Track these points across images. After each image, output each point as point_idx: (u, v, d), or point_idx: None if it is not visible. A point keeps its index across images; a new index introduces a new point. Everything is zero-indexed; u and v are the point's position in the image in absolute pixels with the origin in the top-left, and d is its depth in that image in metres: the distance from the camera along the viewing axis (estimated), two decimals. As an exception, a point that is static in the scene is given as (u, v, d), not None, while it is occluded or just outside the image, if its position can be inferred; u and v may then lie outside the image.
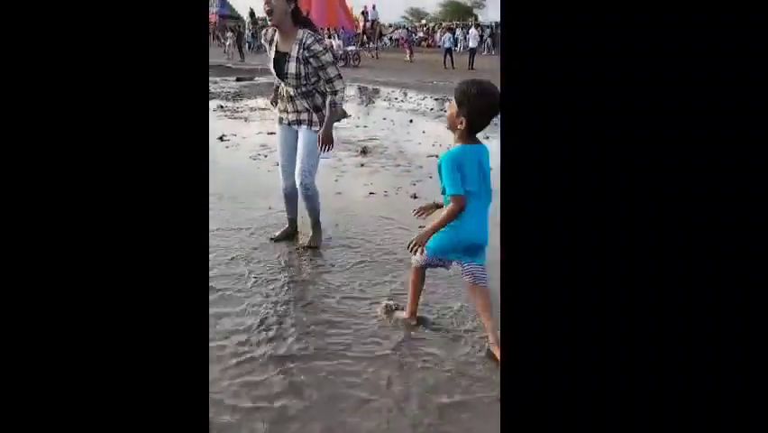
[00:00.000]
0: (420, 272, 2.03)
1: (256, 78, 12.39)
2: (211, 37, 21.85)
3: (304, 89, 2.61)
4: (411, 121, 7.39)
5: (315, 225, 2.86)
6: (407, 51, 19.39)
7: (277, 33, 2.60)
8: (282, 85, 2.66)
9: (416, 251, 1.84)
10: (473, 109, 1.72)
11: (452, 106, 1.80)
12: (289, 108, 2.68)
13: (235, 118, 7.13)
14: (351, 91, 11.15)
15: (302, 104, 2.64)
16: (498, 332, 1.78)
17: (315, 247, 2.81)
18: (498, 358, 1.75)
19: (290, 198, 2.85)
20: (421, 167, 4.71)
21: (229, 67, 15.04)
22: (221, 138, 5.78)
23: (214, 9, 26.19)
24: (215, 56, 15.63)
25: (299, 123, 2.68)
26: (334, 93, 2.57)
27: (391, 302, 2.21)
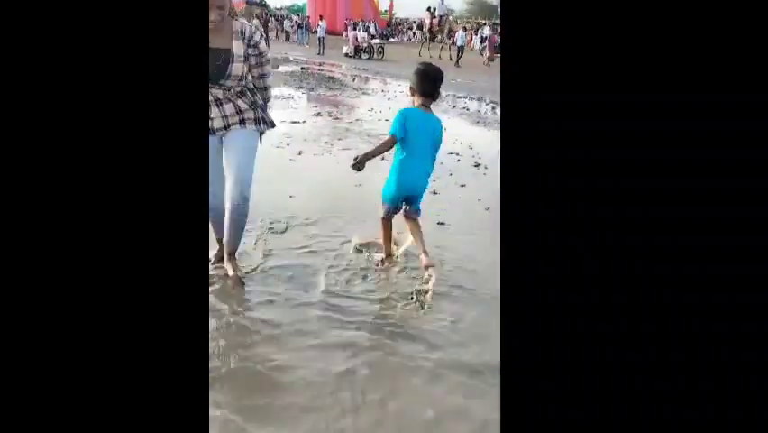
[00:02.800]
0: (386, 222, 2.58)
1: (279, 67, 12.47)
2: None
3: (238, 89, 2.14)
4: (433, 117, 7.38)
5: (233, 254, 2.30)
6: (488, 53, 16.98)
7: None
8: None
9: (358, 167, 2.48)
10: (415, 82, 2.43)
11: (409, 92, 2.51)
12: (213, 113, 2.09)
13: (259, 106, 7.21)
14: (374, 84, 11.15)
15: (234, 106, 2.13)
16: (425, 247, 2.48)
17: (242, 284, 2.23)
18: (426, 264, 2.41)
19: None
20: (442, 163, 4.70)
21: (254, 54, 15.11)
22: (244, 125, 5.85)
23: (242, -5, 26.32)
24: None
25: (227, 127, 2.14)
26: (265, 89, 2.25)
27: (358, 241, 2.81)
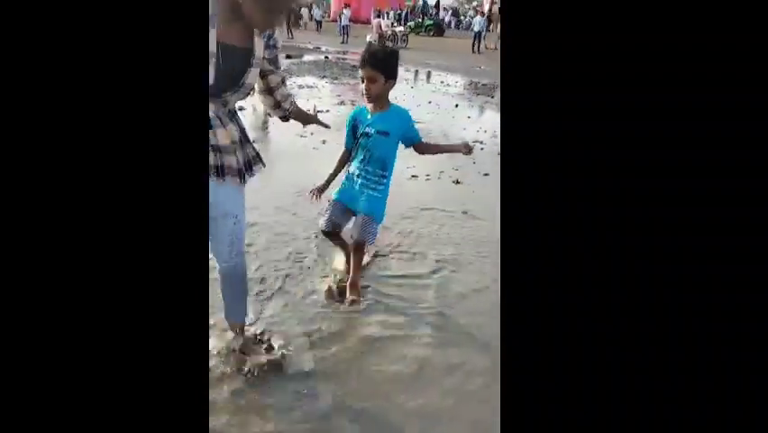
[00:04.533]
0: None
1: (304, 57, 12.50)
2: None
3: (232, 108, 1.50)
4: (456, 105, 7.31)
5: (242, 329, 1.77)
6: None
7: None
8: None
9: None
10: (395, 67, 2.01)
11: (376, 78, 1.97)
12: (223, 141, 1.44)
13: (283, 95, 7.24)
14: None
15: (228, 133, 1.45)
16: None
17: (245, 353, 1.70)
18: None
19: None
20: (465, 152, 4.67)
21: (279, 44, 15.16)
22: (269, 114, 5.89)
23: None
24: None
25: (220, 174, 1.45)
26: (288, 97, 1.71)
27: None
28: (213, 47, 1.29)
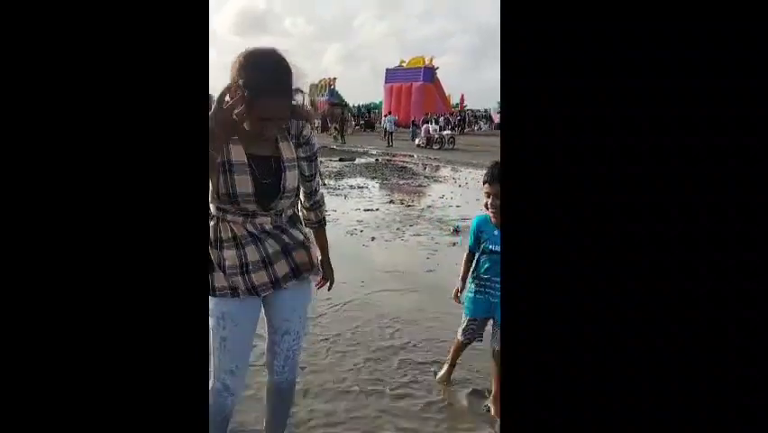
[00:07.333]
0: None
1: (356, 160, 13.25)
2: (321, 124, 23.09)
3: (290, 213, 1.46)
4: (504, 202, 7.38)
5: None
6: None
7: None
8: (246, 218, 1.36)
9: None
10: None
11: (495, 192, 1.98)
12: (253, 257, 1.36)
13: (336, 195, 7.60)
14: (444, 172, 11.45)
15: (284, 239, 1.41)
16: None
17: None
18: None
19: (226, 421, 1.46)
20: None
21: (333, 148, 16.26)
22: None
23: (324, 97, 28.80)
24: (321, 138, 16.98)
25: (275, 284, 1.41)
26: (319, 207, 1.57)
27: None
28: (243, 159, 1.31)
